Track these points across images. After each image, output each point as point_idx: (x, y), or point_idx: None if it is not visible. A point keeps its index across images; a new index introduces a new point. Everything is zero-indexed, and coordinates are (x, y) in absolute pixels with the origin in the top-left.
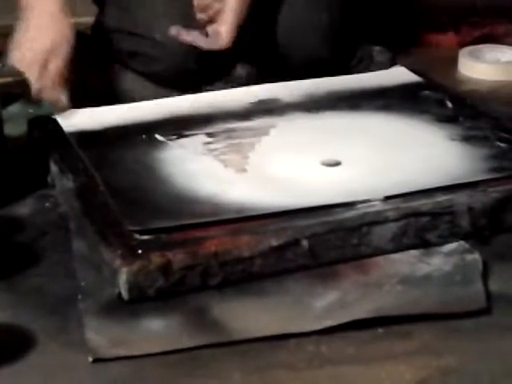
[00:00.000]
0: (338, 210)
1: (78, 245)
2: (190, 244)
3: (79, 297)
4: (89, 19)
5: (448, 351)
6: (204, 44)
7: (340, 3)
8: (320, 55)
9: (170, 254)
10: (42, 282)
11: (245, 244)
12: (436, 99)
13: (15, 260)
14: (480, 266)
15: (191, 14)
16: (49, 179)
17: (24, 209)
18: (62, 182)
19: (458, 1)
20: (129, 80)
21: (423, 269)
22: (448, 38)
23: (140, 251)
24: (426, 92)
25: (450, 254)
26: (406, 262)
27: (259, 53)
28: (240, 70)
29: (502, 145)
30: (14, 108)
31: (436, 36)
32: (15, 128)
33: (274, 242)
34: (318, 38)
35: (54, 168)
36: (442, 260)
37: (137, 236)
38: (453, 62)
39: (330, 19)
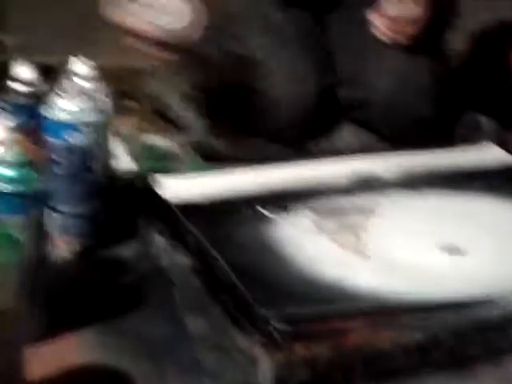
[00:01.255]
0: (477, 304)
1: (197, 324)
2: (333, 336)
3: (205, 380)
4: None
5: None
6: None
7: (443, 64)
8: (422, 113)
9: (314, 347)
10: (143, 327)
11: (388, 338)
12: None
13: (117, 302)
14: None
15: None
16: (153, 250)
17: (129, 251)
18: (172, 257)
19: None
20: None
21: None
22: None
23: (282, 341)
24: None
25: None
26: None
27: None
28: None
29: None
30: None
31: None
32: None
33: (418, 338)
34: (420, 95)
35: (160, 240)
36: None
37: (274, 323)
38: None
39: (433, 78)
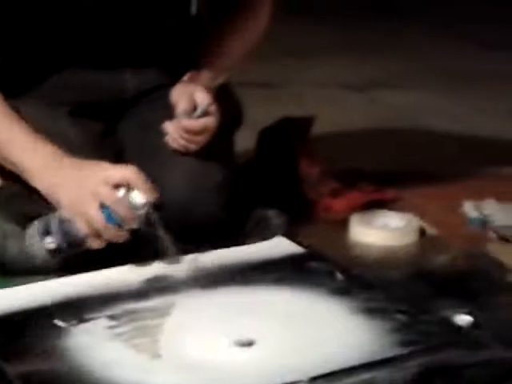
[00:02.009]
0: None
1: None
2: None
3: None
4: None
5: None
6: None
7: (232, 164)
8: (214, 214)
9: None
10: None
11: None
12: (325, 271)
13: None
14: None
15: None
16: None
17: None
18: None
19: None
20: None
21: None
22: (339, 203)
23: None
24: (314, 263)
25: None
26: None
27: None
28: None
29: (401, 316)
30: None
31: (327, 201)
32: None
33: None
34: (211, 196)
35: None
36: None
37: None
38: (344, 226)
39: (223, 179)
